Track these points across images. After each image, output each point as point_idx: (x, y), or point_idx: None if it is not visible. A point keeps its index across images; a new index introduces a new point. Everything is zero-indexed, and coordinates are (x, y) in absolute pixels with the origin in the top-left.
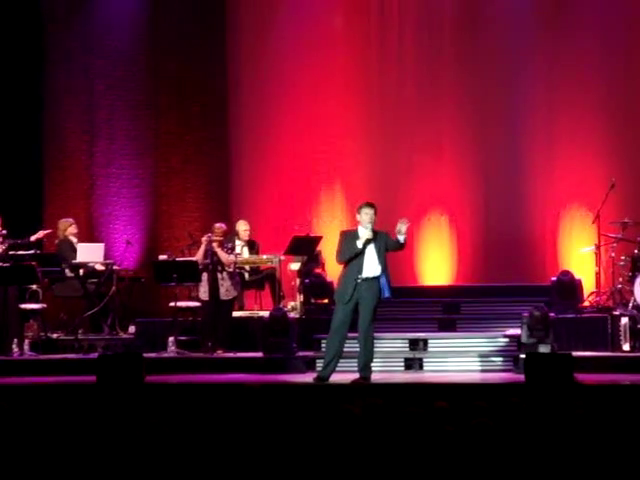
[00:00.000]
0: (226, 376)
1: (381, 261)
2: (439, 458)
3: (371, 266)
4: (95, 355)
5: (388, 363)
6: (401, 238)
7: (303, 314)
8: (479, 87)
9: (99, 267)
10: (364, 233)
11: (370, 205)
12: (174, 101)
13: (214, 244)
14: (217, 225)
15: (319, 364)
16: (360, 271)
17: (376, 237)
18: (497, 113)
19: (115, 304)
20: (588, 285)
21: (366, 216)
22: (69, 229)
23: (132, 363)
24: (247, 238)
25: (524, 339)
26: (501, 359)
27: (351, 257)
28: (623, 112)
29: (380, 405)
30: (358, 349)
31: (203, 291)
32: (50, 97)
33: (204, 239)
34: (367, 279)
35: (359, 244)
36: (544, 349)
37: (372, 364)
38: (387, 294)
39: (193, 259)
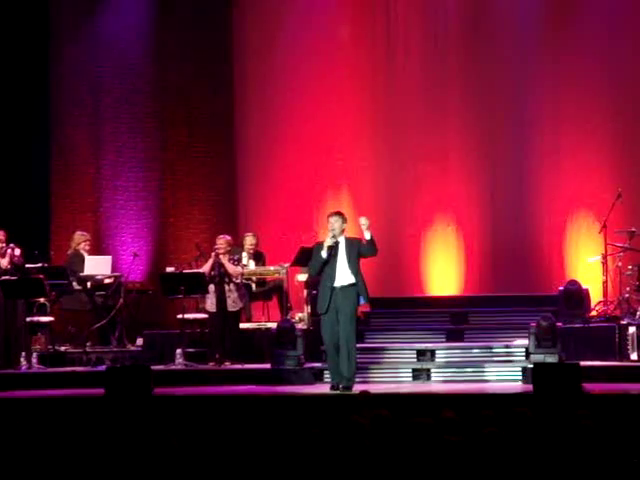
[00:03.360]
0: (234, 388)
1: (352, 267)
2: (447, 468)
3: (344, 274)
4: (103, 368)
5: (396, 374)
6: (367, 235)
7: (311, 325)
8: (485, 96)
9: (107, 280)
10: (326, 242)
11: (333, 214)
12: (181, 113)
13: (221, 256)
14: (219, 237)
15: (327, 375)
16: (333, 280)
17: (348, 244)
18: (504, 123)
19: (123, 317)
20: (595, 295)
21: (329, 224)
22: (82, 244)
23: (140, 375)
24: (252, 252)
25: (532, 349)
26: (509, 369)
27: (319, 267)
28: (631, 120)
29: (387, 416)
30: (340, 360)
31: (210, 303)
32: (56, 110)
33: (214, 253)
34: (343, 287)
35: (323, 253)
36: (551, 359)
37: (381, 373)
38: (362, 300)
39: (200, 271)
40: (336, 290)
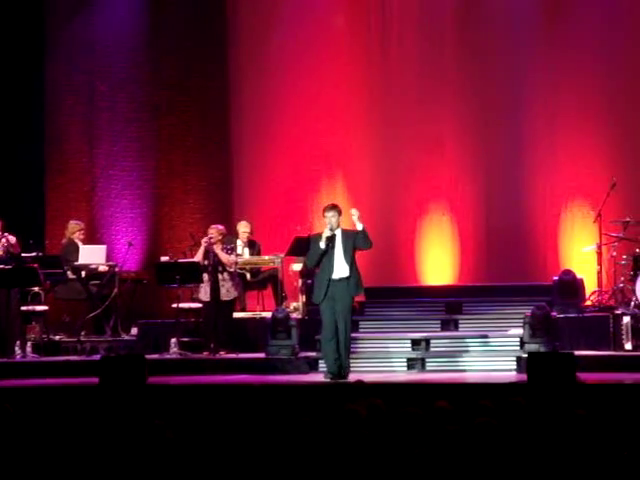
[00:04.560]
0: (229, 377)
1: (347, 259)
2: (442, 458)
3: (341, 266)
4: (98, 357)
5: (390, 363)
6: (359, 225)
7: (305, 315)
8: (481, 86)
9: (101, 269)
10: (324, 233)
11: (329, 208)
12: (175, 102)
13: (214, 245)
14: (212, 227)
15: (321, 365)
16: (331, 271)
17: (344, 236)
18: (499, 112)
19: (117, 306)
20: (590, 284)
21: (326, 219)
22: (77, 233)
23: (134, 365)
24: (246, 239)
25: (526, 338)
26: (503, 359)
27: (317, 258)
28: (625, 111)
29: (382, 406)
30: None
31: (204, 292)
32: (51, 99)
33: (203, 241)
34: (340, 279)
35: (321, 245)
36: (546, 349)
37: (375, 363)
38: (354, 291)
39: (194, 260)
40: (333, 282)
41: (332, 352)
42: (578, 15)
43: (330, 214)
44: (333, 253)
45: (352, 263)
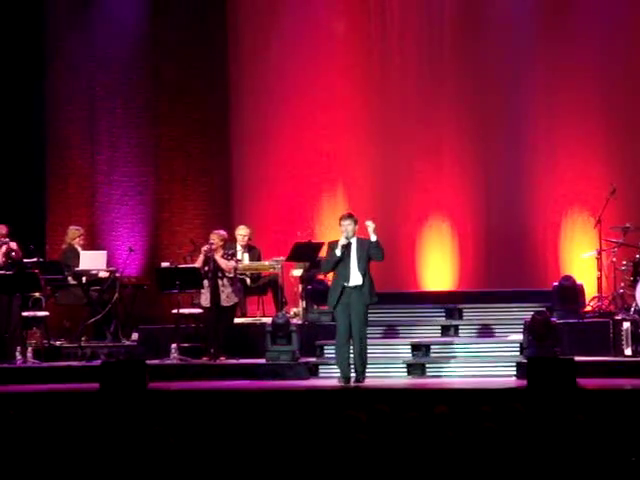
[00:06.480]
0: (229, 383)
1: (360, 267)
2: (442, 463)
3: (357, 274)
4: (98, 362)
5: (390, 368)
6: (373, 237)
7: (305, 320)
8: (480, 92)
9: (102, 274)
10: (341, 241)
11: (345, 217)
12: (175, 108)
13: (214, 252)
14: (213, 232)
15: (322, 370)
16: (347, 279)
17: (359, 245)
18: (498, 119)
19: (118, 311)
20: (590, 290)
21: (342, 227)
22: (77, 239)
23: (135, 370)
24: (244, 243)
25: (526, 344)
26: (503, 364)
27: (332, 265)
28: (624, 117)
29: (382, 411)
30: (353, 355)
31: (204, 298)
32: (52, 105)
33: (204, 249)
34: (355, 287)
35: (337, 252)
36: (546, 354)
37: (375, 368)
38: (369, 300)
39: (195, 266)
40: (348, 289)
41: (345, 357)
42: (577, 23)
43: (346, 222)
44: (349, 261)
45: (366, 271)
